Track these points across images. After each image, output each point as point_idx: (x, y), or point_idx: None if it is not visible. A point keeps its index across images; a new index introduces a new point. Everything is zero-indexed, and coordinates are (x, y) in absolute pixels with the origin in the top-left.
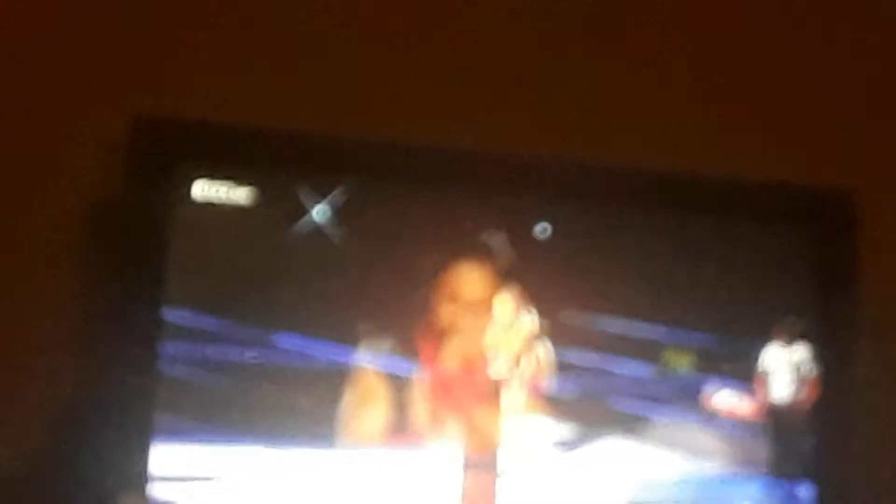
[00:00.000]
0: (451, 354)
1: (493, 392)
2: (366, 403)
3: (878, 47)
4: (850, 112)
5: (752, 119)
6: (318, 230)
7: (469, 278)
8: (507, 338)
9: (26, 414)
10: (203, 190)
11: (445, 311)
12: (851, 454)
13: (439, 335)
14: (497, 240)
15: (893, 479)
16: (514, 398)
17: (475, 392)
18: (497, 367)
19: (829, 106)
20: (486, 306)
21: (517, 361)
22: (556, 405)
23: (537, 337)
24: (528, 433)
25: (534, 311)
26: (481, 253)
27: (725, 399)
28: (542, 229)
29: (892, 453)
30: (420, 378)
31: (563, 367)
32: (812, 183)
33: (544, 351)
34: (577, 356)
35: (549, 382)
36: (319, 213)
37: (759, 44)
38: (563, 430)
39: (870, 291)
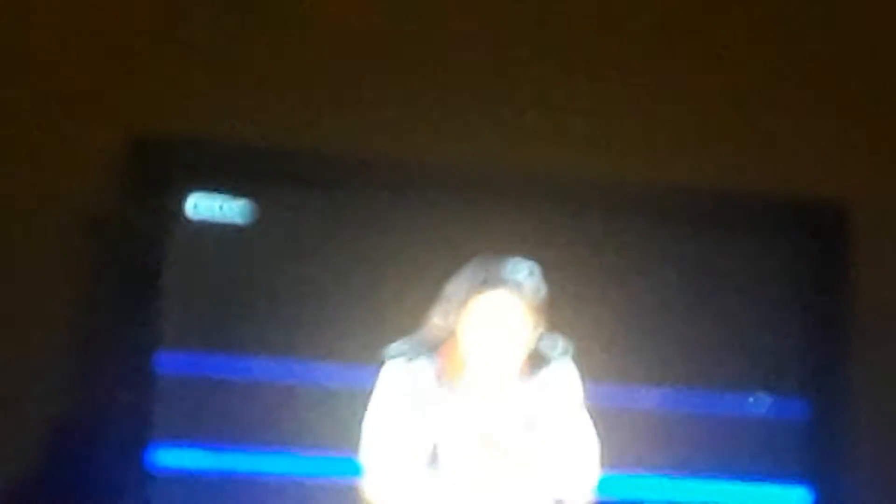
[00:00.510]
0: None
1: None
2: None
3: (872, 61)
4: (842, 123)
5: (747, 131)
6: (313, 245)
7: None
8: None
9: (23, 426)
10: (198, 206)
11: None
12: (849, 458)
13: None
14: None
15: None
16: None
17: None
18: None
19: (822, 117)
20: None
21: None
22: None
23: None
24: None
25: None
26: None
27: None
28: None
29: (888, 457)
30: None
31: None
32: (805, 194)
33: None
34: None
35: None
36: (314, 227)
37: (752, 56)
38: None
39: (863, 298)
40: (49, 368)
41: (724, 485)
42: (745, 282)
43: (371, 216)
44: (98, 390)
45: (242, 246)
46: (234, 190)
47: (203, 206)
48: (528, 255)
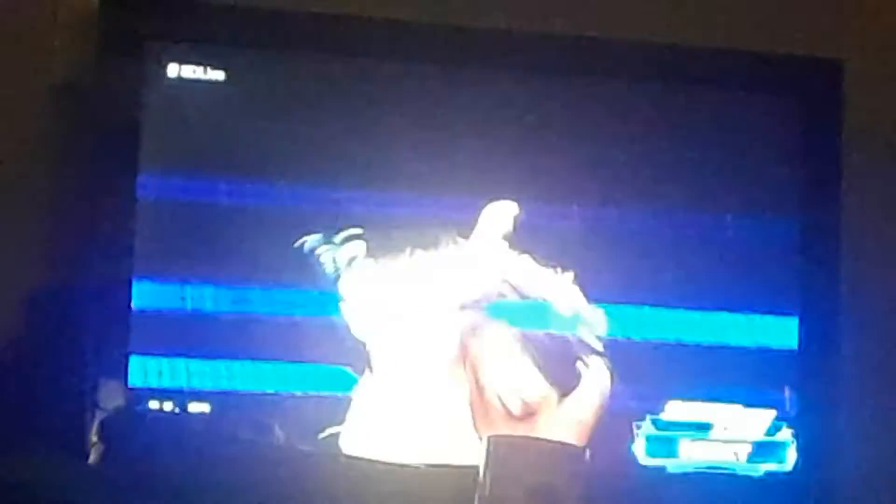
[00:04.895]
0: None
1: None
2: None
3: None
4: None
5: None
6: (290, 106)
7: None
8: None
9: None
10: (175, 67)
11: None
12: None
13: None
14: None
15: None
16: None
17: None
18: None
19: None
20: None
21: None
22: None
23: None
24: None
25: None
26: None
27: None
28: None
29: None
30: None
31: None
32: (799, 52)
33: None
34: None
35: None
36: (292, 89)
37: None
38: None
39: (855, 162)
40: (23, 237)
41: (712, 315)
42: (736, 141)
43: (354, 79)
44: (75, 260)
45: (218, 104)
46: (212, 50)
47: (180, 66)
48: (513, 122)
